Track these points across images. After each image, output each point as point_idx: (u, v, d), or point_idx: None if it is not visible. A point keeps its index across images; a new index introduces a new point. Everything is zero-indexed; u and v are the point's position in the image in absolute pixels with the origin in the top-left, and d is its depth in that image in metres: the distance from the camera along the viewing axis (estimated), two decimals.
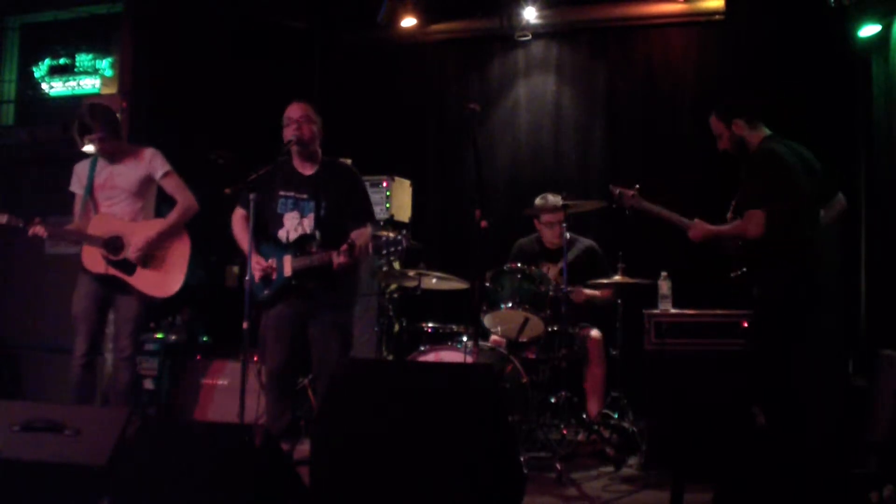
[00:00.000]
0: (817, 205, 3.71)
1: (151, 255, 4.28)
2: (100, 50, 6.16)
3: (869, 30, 4.88)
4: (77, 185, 4.41)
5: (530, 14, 6.04)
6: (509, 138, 6.31)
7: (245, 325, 3.66)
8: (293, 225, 3.97)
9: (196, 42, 6.02)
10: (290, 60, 6.47)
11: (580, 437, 4.62)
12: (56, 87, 6.25)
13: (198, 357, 5.31)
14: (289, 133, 3.94)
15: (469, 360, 4.19)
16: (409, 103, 6.55)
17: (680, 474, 3.26)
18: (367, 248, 3.88)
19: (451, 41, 6.52)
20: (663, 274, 4.54)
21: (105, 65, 6.12)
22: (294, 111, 3.98)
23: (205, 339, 5.61)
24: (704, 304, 4.41)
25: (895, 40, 4.69)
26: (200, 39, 6.03)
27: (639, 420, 4.69)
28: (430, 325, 4.90)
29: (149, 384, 5.22)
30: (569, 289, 4.44)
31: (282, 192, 3.99)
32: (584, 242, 5.13)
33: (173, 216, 4.35)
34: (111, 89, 6.03)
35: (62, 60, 6.19)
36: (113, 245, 4.26)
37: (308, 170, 4.05)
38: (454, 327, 4.82)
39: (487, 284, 4.47)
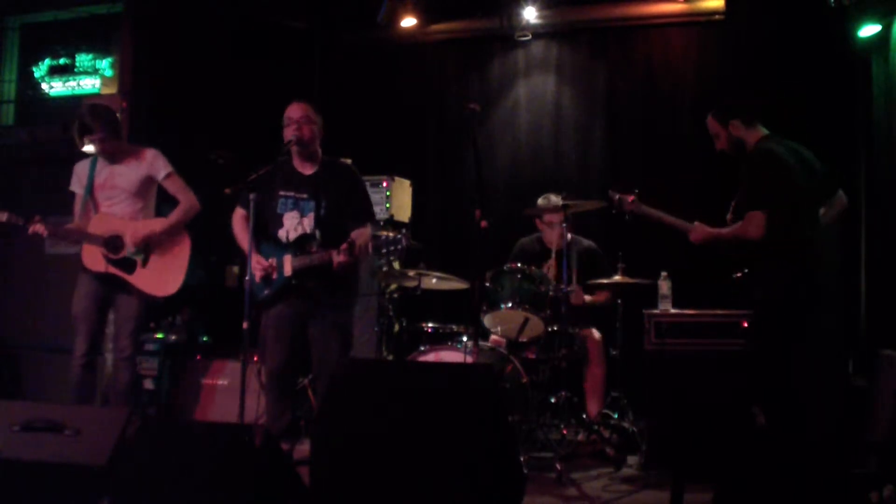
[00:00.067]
0: (817, 204, 3.71)
1: (152, 254, 4.28)
2: (100, 50, 6.15)
3: (869, 30, 4.88)
4: (77, 185, 4.41)
5: (530, 14, 6.05)
6: (509, 138, 6.31)
7: (245, 325, 3.66)
8: (293, 224, 3.97)
9: (196, 42, 6.02)
10: (290, 60, 6.47)
11: (580, 437, 4.62)
12: (56, 87, 6.25)
13: (198, 357, 5.31)
14: (289, 133, 3.94)
15: (469, 360, 4.19)
16: (409, 103, 6.55)
17: (680, 474, 3.26)
18: (366, 248, 3.88)
19: (451, 41, 6.52)
20: (663, 274, 4.54)
21: (105, 65, 6.12)
22: (294, 111, 3.98)
23: (205, 339, 5.61)
24: (704, 304, 4.41)
25: (895, 40, 4.69)
26: (200, 39, 6.03)
27: (639, 420, 4.69)
28: (430, 325, 4.90)
29: (149, 384, 5.22)
30: (569, 288, 4.44)
31: (282, 192, 3.99)
32: (585, 243, 5.13)
33: (175, 216, 4.35)
34: (111, 89, 6.03)
35: (62, 60, 6.19)
36: (113, 244, 4.26)
37: (308, 169, 4.05)
38: (454, 327, 4.82)
39: (487, 284, 4.47)
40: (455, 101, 6.40)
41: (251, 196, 3.74)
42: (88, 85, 6.15)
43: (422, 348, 4.57)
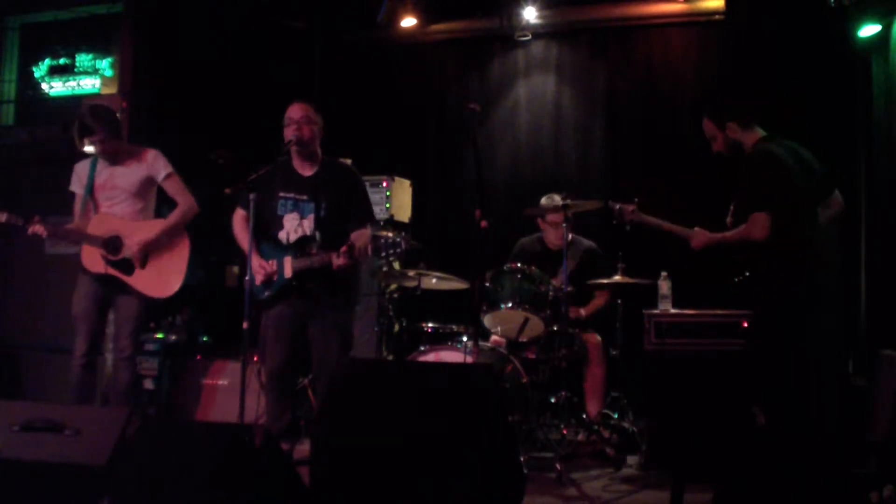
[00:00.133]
0: (816, 204, 3.70)
1: (151, 256, 4.28)
2: (100, 50, 6.15)
3: (869, 30, 4.88)
4: (77, 185, 4.41)
5: (530, 14, 6.05)
6: (509, 138, 6.31)
7: (245, 325, 3.66)
8: (293, 226, 3.97)
9: (196, 42, 6.02)
10: (290, 60, 6.47)
11: (580, 437, 4.62)
12: (56, 87, 6.25)
13: (198, 357, 5.31)
14: (289, 133, 3.94)
15: (469, 360, 4.19)
16: (409, 103, 6.55)
17: (680, 474, 3.26)
18: (366, 250, 3.88)
19: (451, 41, 6.52)
20: (663, 274, 4.54)
21: (105, 65, 6.12)
22: (295, 111, 3.98)
23: (205, 339, 5.61)
24: (704, 304, 4.41)
25: (895, 40, 4.69)
26: (200, 39, 6.03)
27: (639, 420, 4.69)
28: (430, 325, 4.90)
29: (149, 384, 5.22)
30: (569, 288, 4.44)
31: (282, 194, 3.99)
32: (585, 243, 5.14)
33: (174, 217, 4.35)
34: (111, 89, 6.03)
35: (62, 60, 6.19)
36: (112, 245, 4.26)
37: (308, 170, 4.05)
38: (454, 327, 4.82)
39: (487, 284, 4.47)
40: (455, 101, 6.40)
41: (251, 196, 3.74)
42: (88, 85, 6.15)
43: (422, 348, 4.57)
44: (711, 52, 5.85)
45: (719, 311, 4.29)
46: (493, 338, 4.77)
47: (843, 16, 4.98)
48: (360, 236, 3.90)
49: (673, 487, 3.04)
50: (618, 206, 4.12)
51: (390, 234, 5.14)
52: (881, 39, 4.85)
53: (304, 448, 4.04)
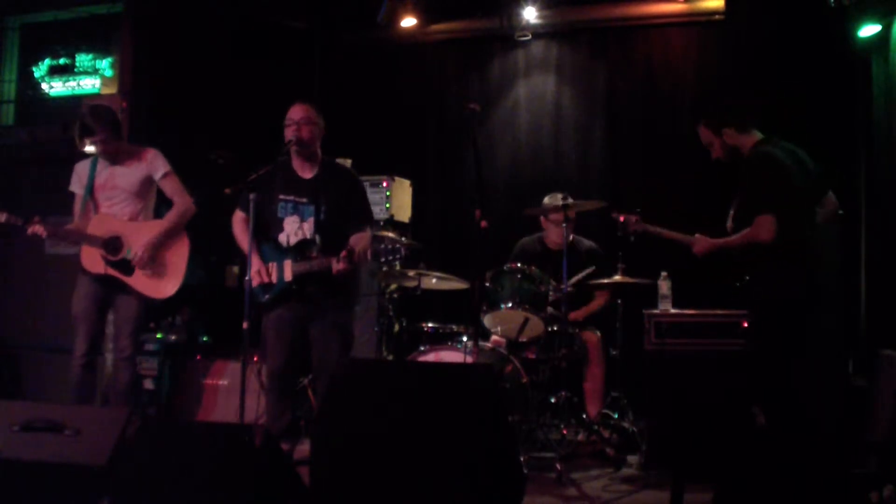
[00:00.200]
0: (814, 204, 3.70)
1: (150, 257, 4.28)
2: (100, 50, 6.15)
3: (869, 30, 4.88)
4: (77, 185, 4.41)
5: (530, 14, 6.04)
6: (509, 138, 6.31)
7: (245, 325, 3.66)
8: (293, 229, 3.97)
9: (196, 42, 6.02)
10: (290, 60, 6.47)
11: (580, 437, 4.62)
12: (56, 87, 6.25)
13: (198, 357, 5.31)
14: (289, 133, 3.95)
15: (469, 360, 4.19)
16: (409, 103, 6.55)
17: (680, 474, 3.26)
18: (366, 254, 3.88)
19: (451, 41, 6.52)
20: (663, 274, 4.54)
21: (105, 65, 6.12)
22: (295, 112, 3.98)
23: (205, 339, 5.61)
24: (704, 304, 4.41)
25: (895, 40, 4.69)
26: (200, 39, 6.03)
27: (639, 420, 4.69)
28: (430, 325, 4.90)
29: (149, 384, 5.22)
30: (569, 289, 4.44)
31: (282, 196, 4.00)
32: (586, 244, 5.14)
33: (171, 218, 4.35)
34: (111, 89, 6.03)
35: (62, 60, 6.18)
36: (112, 245, 4.26)
37: (308, 172, 4.05)
38: (454, 327, 4.82)
39: (487, 284, 4.47)
40: (455, 101, 6.40)
41: (251, 196, 3.75)
42: (88, 85, 6.15)
43: (422, 348, 4.57)
44: (711, 52, 5.85)
45: (719, 311, 4.29)
46: (493, 338, 4.77)
47: (843, 16, 4.98)
48: (360, 240, 3.90)
49: (673, 487, 3.05)
50: (622, 218, 4.09)
51: (391, 235, 5.16)
52: (881, 39, 4.85)
53: (304, 448, 4.04)
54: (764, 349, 3.61)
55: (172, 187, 4.39)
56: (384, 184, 5.61)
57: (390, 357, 5.02)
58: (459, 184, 6.24)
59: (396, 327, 5.12)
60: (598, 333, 4.92)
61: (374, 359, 4.97)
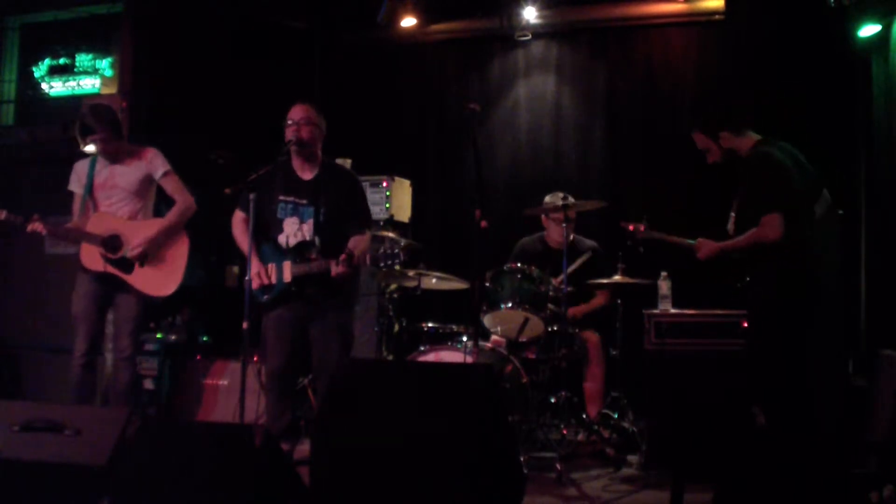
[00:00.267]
0: (812, 204, 3.70)
1: (150, 255, 4.28)
2: (100, 50, 6.15)
3: (869, 30, 4.88)
4: (76, 184, 4.41)
5: (530, 14, 6.04)
6: (509, 138, 6.31)
7: (245, 325, 3.66)
8: (293, 230, 3.97)
9: (196, 42, 6.02)
10: (290, 60, 6.47)
11: (580, 437, 4.62)
12: (56, 87, 6.25)
13: (198, 357, 5.31)
14: (289, 134, 3.95)
15: (469, 360, 4.19)
16: (409, 103, 6.56)
17: (680, 474, 3.26)
18: (364, 258, 3.88)
19: (451, 41, 6.52)
20: (663, 274, 4.54)
21: (105, 65, 6.12)
22: (296, 113, 3.99)
23: (205, 339, 5.61)
24: (704, 304, 4.41)
25: (895, 40, 4.69)
26: (200, 39, 6.03)
27: (639, 420, 4.69)
28: (430, 325, 4.90)
29: (149, 384, 5.22)
30: (569, 288, 4.44)
31: (281, 197, 4.00)
32: (587, 243, 5.14)
33: (172, 216, 4.36)
34: (111, 89, 6.03)
35: (62, 60, 6.18)
36: (111, 243, 4.26)
37: (307, 173, 4.05)
38: (454, 327, 4.82)
39: (487, 284, 4.47)
40: (455, 101, 6.40)
41: (251, 196, 3.75)
42: (88, 85, 6.15)
43: (422, 348, 4.57)
44: (711, 52, 5.85)
45: (719, 311, 4.29)
46: (493, 338, 4.77)
47: (843, 16, 4.98)
48: (359, 243, 3.91)
49: (673, 487, 3.04)
50: (631, 227, 4.08)
51: (391, 235, 5.16)
52: (881, 39, 4.85)
53: (304, 448, 4.04)
54: (764, 349, 3.61)
55: (173, 186, 4.39)
56: (384, 184, 5.61)
57: (390, 357, 5.02)
58: (459, 184, 6.24)
59: (396, 327, 5.12)
60: (598, 336, 4.92)
61: (374, 359, 4.97)
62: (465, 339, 4.51)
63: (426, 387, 2.79)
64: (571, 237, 4.59)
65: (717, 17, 5.76)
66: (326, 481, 2.72)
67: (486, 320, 4.61)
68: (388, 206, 5.59)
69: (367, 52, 6.64)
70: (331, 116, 4.18)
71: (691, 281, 4.78)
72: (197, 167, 4.93)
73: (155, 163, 4.37)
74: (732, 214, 3.77)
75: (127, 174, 4.35)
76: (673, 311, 4.42)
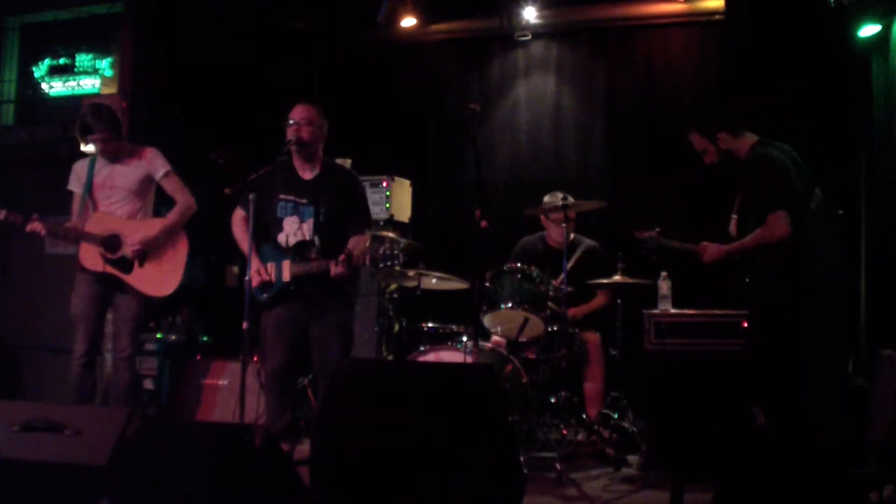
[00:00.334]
0: (809, 204, 3.70)
1: (149, 255, 4.28)
2: (100, 50, 6.16)
3: (869, 30, 4.88)
4: (76, 184, 4.41)
5: (530, 14, 6.04)
6: (509, 138, 6.31)
7: (245, 325, 3.66)
8: (292, 230, 3.97)
9: (196, 42, 6.02)
10: (290, 60, 6.47)
11: (580, 437, 4.62)
12: (56, 87, 6.25)
13: (198, 357, 5.30)
14: (290, 134, 3.96)
15: (469, 360, 4.19)
16: (409, 103, 6.55)
17: (680, 474, 3.26)
18: (364, 259, 3.88)
19: (451, 41, 6.52)
20: (663, 274, 4.54)
21: (105, 65, 6.12)
22: (297, 113, 3.99)
23: (205, 339, 5.61)
24: (704, 304, 4.41)
25: (895, 40, 4.69)
26: (200, 39, 6.03)
27: (639, 420, 4.69)
28: (430, 325, 4.90)
29: (149, 384, 5.22)
30: (569, 288, 4.44)
31: (282, 196, 4.00)
32: (587, 243, 5.14)
33: (172, 216, 4.36)
34: (111, 89, 6.03)
35: (62, 60, 6.19)
36: (111, 243, 4.26)
37: (308, 173, 4.05)
38: (454, 327, 4.82)
39: (487, 284, 4.47)
40: (455, 101, 6.40)
41: (251, 196, 3.75)
42: (88, 85, 6.15)
43: (422, 348, 4.57)
44: (711, 52, 5.85)
45: (719, 311, 4.29)
46: (493, 338, 4.77)
47: (843, 16, 4.98)
48: (359, 243, 3.91)
49: (673, 487, 3.04)
50: (646, 235, 4.05)
51: (391, 235, 5.16)
52: (881, 39, 4.85)
53: (304, 448, 4.04)
54: (764, 349, 3.61)
55: (173, 186, 4.39)
56: (384, 184, 5.61)
57: (390, 357, 5.02)
58: (459, 184, 6.23)
59: (396, 327, 5.12)
60: (599, 336, 4.92)
61: (374, 359, 4.97)
62: (465, 339, 4.51)
63: (426, 387, 2.79)
64: (571, 237, 4.58)
65: (717, 17, 5.77)
66: (326, 481, 2.72)
67: (486, 320, 4.61)
68: (388, 206, 5.59)
69: (367, 52, 6.64)
70: (331, 116, 4.18)
71: (691, 281, 4.77)
72: (197, 167, 4.93)
73: (155, 163, 4.37)
74: (734, 216, 3.76)
75: (127, 174, 4.35)
76: (673, 311, 4.42)
